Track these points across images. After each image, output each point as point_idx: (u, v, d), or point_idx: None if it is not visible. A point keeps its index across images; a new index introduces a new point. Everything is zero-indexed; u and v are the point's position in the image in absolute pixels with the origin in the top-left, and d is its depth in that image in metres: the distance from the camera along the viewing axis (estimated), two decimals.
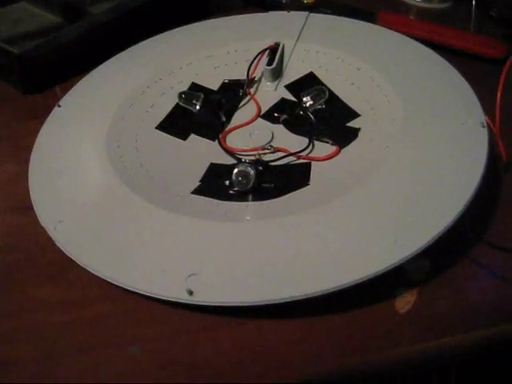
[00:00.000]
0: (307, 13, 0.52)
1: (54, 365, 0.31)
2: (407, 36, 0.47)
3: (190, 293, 0.31)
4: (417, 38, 0.47)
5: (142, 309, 0.33)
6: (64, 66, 0.48)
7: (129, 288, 0.32)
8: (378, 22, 0.52)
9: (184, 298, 0.31)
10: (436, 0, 0.61)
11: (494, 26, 0.55)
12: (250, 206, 0.37)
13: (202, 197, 0.38)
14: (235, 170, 0.38)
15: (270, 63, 0.47)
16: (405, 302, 0.33)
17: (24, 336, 0.33)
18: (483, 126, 0.38)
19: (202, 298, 0.31)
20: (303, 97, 0.45)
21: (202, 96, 0.46)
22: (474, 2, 0.57)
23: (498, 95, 0.44)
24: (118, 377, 0.30)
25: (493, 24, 0.56)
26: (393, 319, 0.32)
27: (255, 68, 0.47)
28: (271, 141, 0.43)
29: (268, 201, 0.37)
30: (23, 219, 0.38)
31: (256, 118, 0.45)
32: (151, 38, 0.52)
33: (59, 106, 0.46)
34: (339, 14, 0.52)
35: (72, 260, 0.35)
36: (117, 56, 0.50)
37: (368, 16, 0.53)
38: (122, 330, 0.33)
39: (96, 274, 0.33)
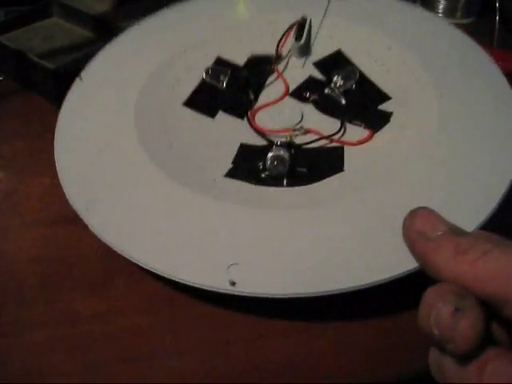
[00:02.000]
0: None
1: (94, 376, 0.32)
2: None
3: (233, 283, 0.31)
4: None
5: (181, 320, 0.34)
6: None
7: (167, 276, 0.32)
8: None
9: (227, 288, 0.31)
10: (459, 15, 0.61)
11: None
12: (286, 192, 0.37)
13: (236, 180, 0.38)
14: (270, 155, 0.38)
15: (298, 38, 0.46)
16: None
17: (64, 346, 0.33)
18: None
19: (245, 288, 0.31)
20: (333, 76, 0.44)
21: (229, 72, 0.45)
22: (497, 17, 0.57)
23: None
24: None
25: None
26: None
27: (283, 44, 0.46)
28: (301, 121, 0.42)
29: (304, 186, 0.37)
30: (60, 231, 0.39)
31: (284, 97, 0.44)
32: (171, 7, 0.50)
33: (81, 78, 0.44)
34: None
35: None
36: (138, 25, 0.48)
37: None
38: (162, 342, 0.33)
39: (134, 260, 0.33)
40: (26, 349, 0.33)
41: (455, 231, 0.27)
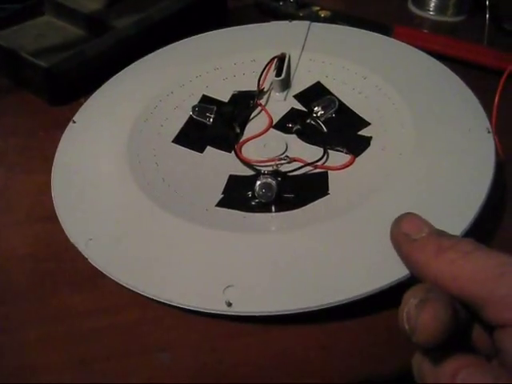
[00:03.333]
0: (308, 22, 0.54)
1: (86, 371, 0.32)
2: (421, 49, 0.49)
3: (229, 304, 0.32)
4: (431, 52, 0.49)
5: (170, 316, 0.34)
6: (90, 79, 0.49)
7: (168, 303, 0.33)
8: (393, 36, 0.54)
9: (224, 309, 0.32)
10: (450, 13, 0.63)
11: (507, 39, 0.58)
12: (275, 217, 0.39)
13: (227, 209, 0.39)
14: (258, 183, 0.39)
15: (278, 74, 0.49)
16: None
17: (56, 342, 0.34)
18: (488, 132, 0.40)
19: (241, 308, 0.32)
20: (314, 107, 0.46)
21: (215, 108, 0.47)
22: (487, 15, 0.58)
23: (496, 98, 0.47)
24: (150, 382, 0.32)
25: (506, 37, 0.58)
26: None
27: (264, 79, 0.49)
28: (286, 151, 0.44)
29: (292, 211, 0.39)
30: (52, 228, 0.39)
31: (269, 129, 0.46)
32: (157, 51, 0.53)
33: (74, 122, 0.46)
34: (357, 27, 0.53)
35: None
36: (126, 69, 0.51)
37: (384, 29, 0.55)
38: (152, 337, 0.34)
39: (132, 289, 0.34)
40: (18, 346, 0.34)
41: (439, 232, 0.28)
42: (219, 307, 0.32)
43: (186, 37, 0.54)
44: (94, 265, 0.36)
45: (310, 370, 0.32)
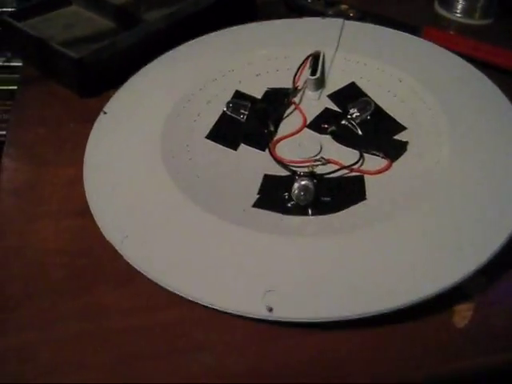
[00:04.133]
0: (342, 20, 0.53)
1: (123, 371, 0.32)
2: (450, 51, 0.49)
3: (270, 309, 0.32)
4: (460, 54, 0.48)
5: (209, 317, 0.34)
6: (120, 71, 0.48)
7: (208, 305, 0.33)
8: (422, 37, 0.53)
9: (265, 314, 0.32)
10: (477, 16, 0.62)
11: None
12: (313, 221, 0.38)
13: (264, 210, 0.39)
14: (296, 185, 0.39)
15: (313, 72, 0.48)
16: (462, 316, 0.34)
17: (92, 340, 0.33)
18: None
19: (282, 314, 0.32)
20: (350, 108, 0.46)
21: (249, 105, 0.46)
22: None
23: None
24: (190, 382, 0.31)
25: None
26: (450, 334, 0.33)
27: (299, 77, 0.48)
28: (320, 152, 0.44)
29: (330, 215, 0.38)
30: (85, 222, 0.39)
31: (303, 128, 0.46)
32: (188, 42, 0.52)
33: (105, 112, 0.46)
34: (385, 26, 0.53)
35: None
36: (155, 61, 0.50)
37: (413, 30, 0.54)
38: (191, 337, 0.33)
39: (173, 291, 0.34)
40: (53, 343, 0.33)
41: None
42: (260, 312, 0.32)
43: (214, 31, 0.53)
44: (129, 262, 0.36)
45: (351, 373, 0.32)
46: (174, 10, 0.53)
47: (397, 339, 0.33)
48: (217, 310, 0.33)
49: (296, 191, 0.39)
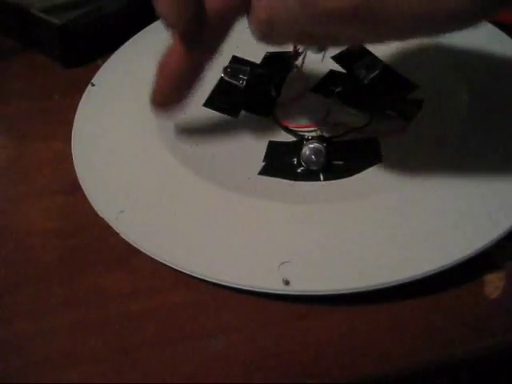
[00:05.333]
0: None
1: (128, 361, 0.28)
2: None
3: (287, 282, 0.29)
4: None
5: (219, 297, 0.30)
6: (107, 39, 0.45)
7: (218, 282, 0.30)
8: None
9: (282, 288, 0.29)
10: None
11: None
12: (326, 186, 0.35)
13: (271, 177, 0.36)
14: (305, 148, 0.36)
15: None
16: (493, 287, 0.31)
17: (91, 328, 0.30)
18: None
19: (301, 286, 0.29)
20: (356, 68, 0.42)
21: (248, 70, 0.43)
22: None
23: None
24: (201, 372, 0.28)
25: None
26: (482, 306, 0.30)
27: None
28: (328, 115, 0.40)
29: (343, 179, 0.35)
30: (75, 200, 0.36)
31: (307, 92, 0.42)
32: None
33: (93, 85, 0.42)
34: None
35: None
36: (147, 28, 0.47)
37: None
38: (200, 322, 0.30)
39: (175, 267, 0.31)
40: (49, 332, 0.30)
41: None
42: (276, 286, 0.29)
43: None
44: (127, 240, 0.32)
45: (376, 354, 0.28)
46: None
47: (429, 312, 0.30)
48: (227, 288, 0.30)
49: (307, 154, 0.36)
